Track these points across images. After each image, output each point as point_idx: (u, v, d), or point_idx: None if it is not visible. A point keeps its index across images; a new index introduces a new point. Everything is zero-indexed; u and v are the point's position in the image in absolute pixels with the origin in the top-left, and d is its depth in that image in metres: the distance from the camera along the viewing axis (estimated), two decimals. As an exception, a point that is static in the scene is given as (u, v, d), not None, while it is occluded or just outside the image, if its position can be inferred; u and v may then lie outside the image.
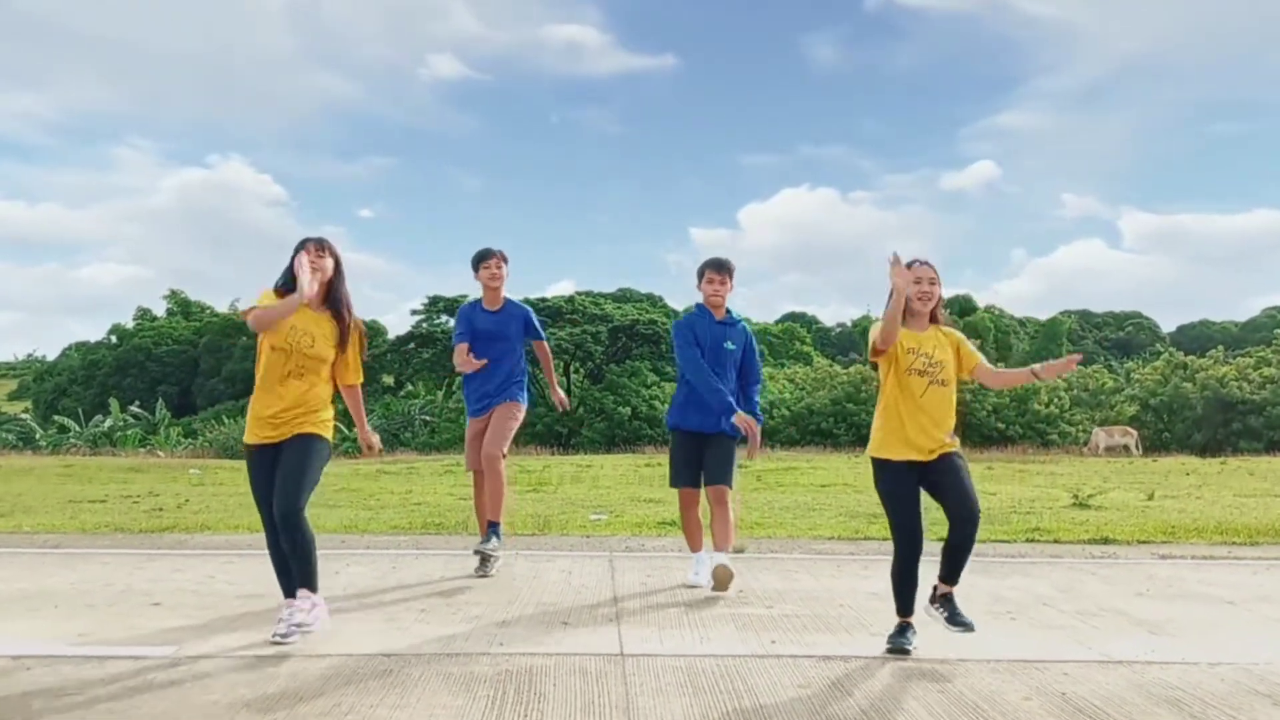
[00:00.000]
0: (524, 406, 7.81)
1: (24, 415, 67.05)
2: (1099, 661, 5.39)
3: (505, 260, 7.75)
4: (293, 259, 5.63)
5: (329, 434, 5.74)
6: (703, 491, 7.31)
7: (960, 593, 7.05)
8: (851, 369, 49.13)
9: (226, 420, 52.42)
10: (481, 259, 7.72)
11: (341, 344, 5.80)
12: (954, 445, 5.59)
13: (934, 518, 5.63)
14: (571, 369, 56.55)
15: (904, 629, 5.62)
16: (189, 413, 76.64)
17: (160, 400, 63.90)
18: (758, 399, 7.39)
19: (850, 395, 45.15)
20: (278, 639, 5.38)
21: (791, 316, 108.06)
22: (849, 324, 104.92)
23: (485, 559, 7.64)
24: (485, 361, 7.53)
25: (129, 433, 53.13)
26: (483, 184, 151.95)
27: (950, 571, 5.64)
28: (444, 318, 57.30)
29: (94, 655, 5.17)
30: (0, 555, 8.42)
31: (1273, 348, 50.20)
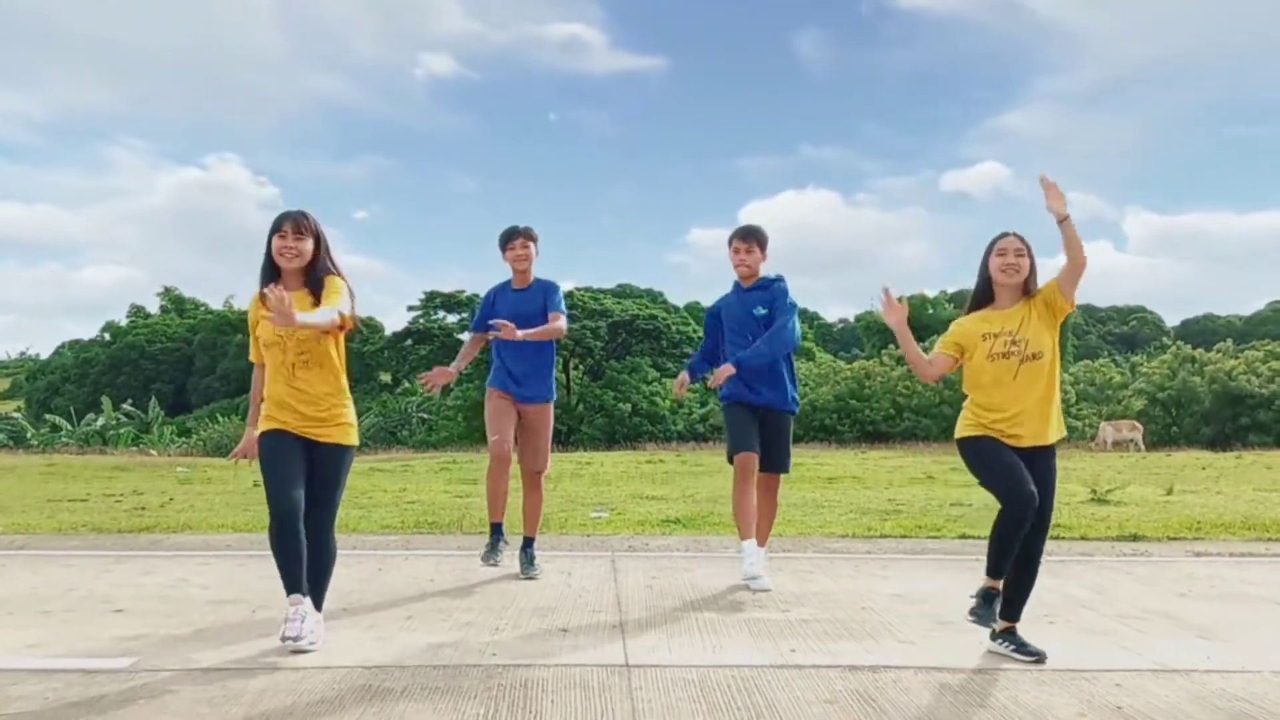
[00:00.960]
0: (553, 404, 7.54)
1: (15, 414, 66.60)
2: (1153, 670, 4.92)
3: (533, 239, 7.38)
4: (269, 243, 5.23)
5: (357, 436, 5.47)
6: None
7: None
8: (855, 364, 48.81)
9: (221, 418, 52.05)
10: (508, 239, 7.36)
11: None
12: (1057, 434, 5.22)
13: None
14: (571, 365, 56.19)
15: (989, 599, 5.20)
16: (183, 411, 76.46)
17: (154, 399, 63.51)
18: (762, 349, 6.88)
19: (854, 391, 44.92)
20: (289, 640, 4.98)
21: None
22: (851, 319, 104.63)
23: (494, 550, 7.33)
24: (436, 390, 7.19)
25: (122, 431, 52.81)
26: (479, 184, 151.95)
27: (1011, 606, 5.26)
28: (441, 314, 57.01)
29: (39, 669, 4.68)
30: (-41, 558, 7.97)
31: (1281, 340, 49.90)
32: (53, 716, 4.04)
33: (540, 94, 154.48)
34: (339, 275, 5.37)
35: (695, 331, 70.11)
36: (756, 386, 6.93)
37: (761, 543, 6.98)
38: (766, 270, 7.15)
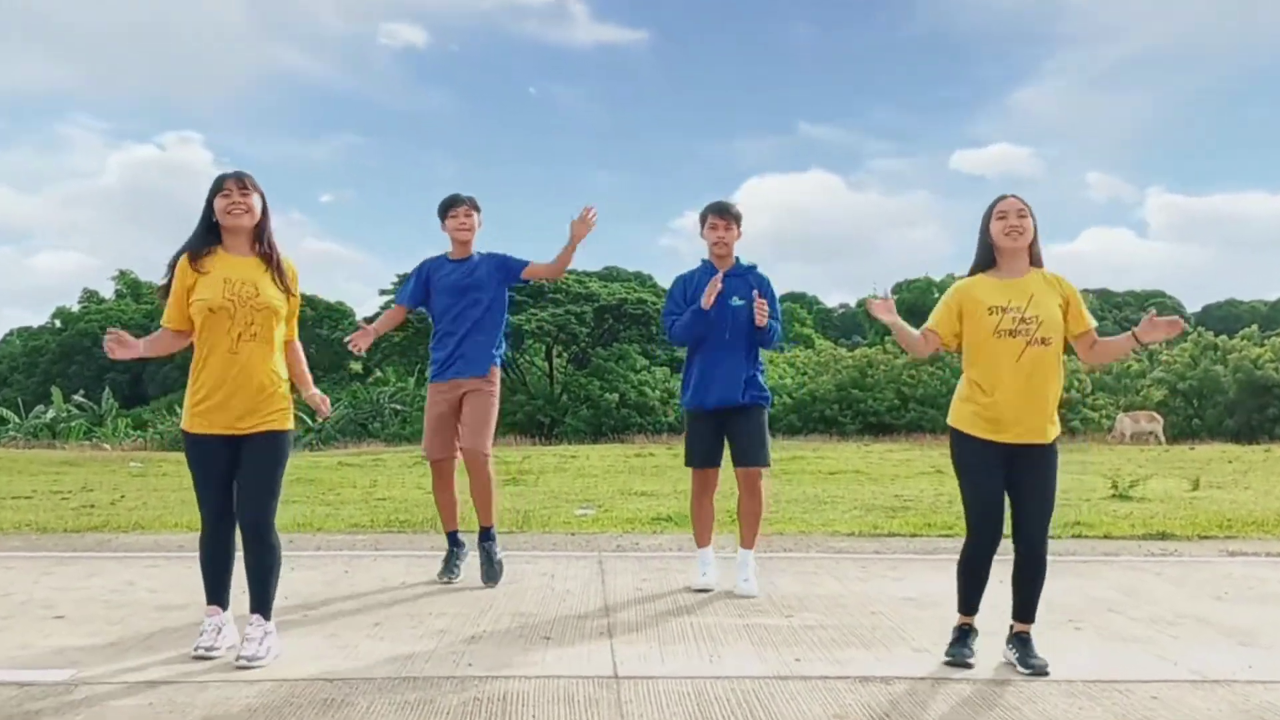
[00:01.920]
0: (497, 378, 7.17)
1: (-41, 406, 66.24)
2: (1190, 681, 4.78)
3: (476, 209, 7.14)
4: (209, 205, 5.09)
5: (292, 420, 5.21)
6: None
7: (1009, 598, 6.47)
8: (857, 352, 48.67)
9: (179, 410, 51.72)
10: (449, 206, 7.13)
11: (286, 290, 5.21)
12: (1055, 431, 5.05)
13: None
14: (554, 353, 55.98)
15: (964, 635, 5.10)
16: (139, 403, 76.07)
17: (107, 389, 63.19)
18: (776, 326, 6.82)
19: (856, 380, 44.76)
20: (201, 651, 4.92)
21: (791, 297, 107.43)
22: (852, 304, 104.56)
23: (450, 563, 7.08)
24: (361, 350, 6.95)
25: (73, 424, 52.52)
26: (454, 165, 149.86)
27: (1019, 605, 5.17)
28: (415, 298, 56.65)
29: (-31, 682, 4.54)
30: (-115, 560, 7.80)
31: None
32: (-20, 735, 3.89)
33: (518, 67, 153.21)
34: (276, 248, 5.25)
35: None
36: (709, 386, 6.77)
37: (748, 545, 6.83)
38: (738, 251, 7.00)
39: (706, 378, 6.76)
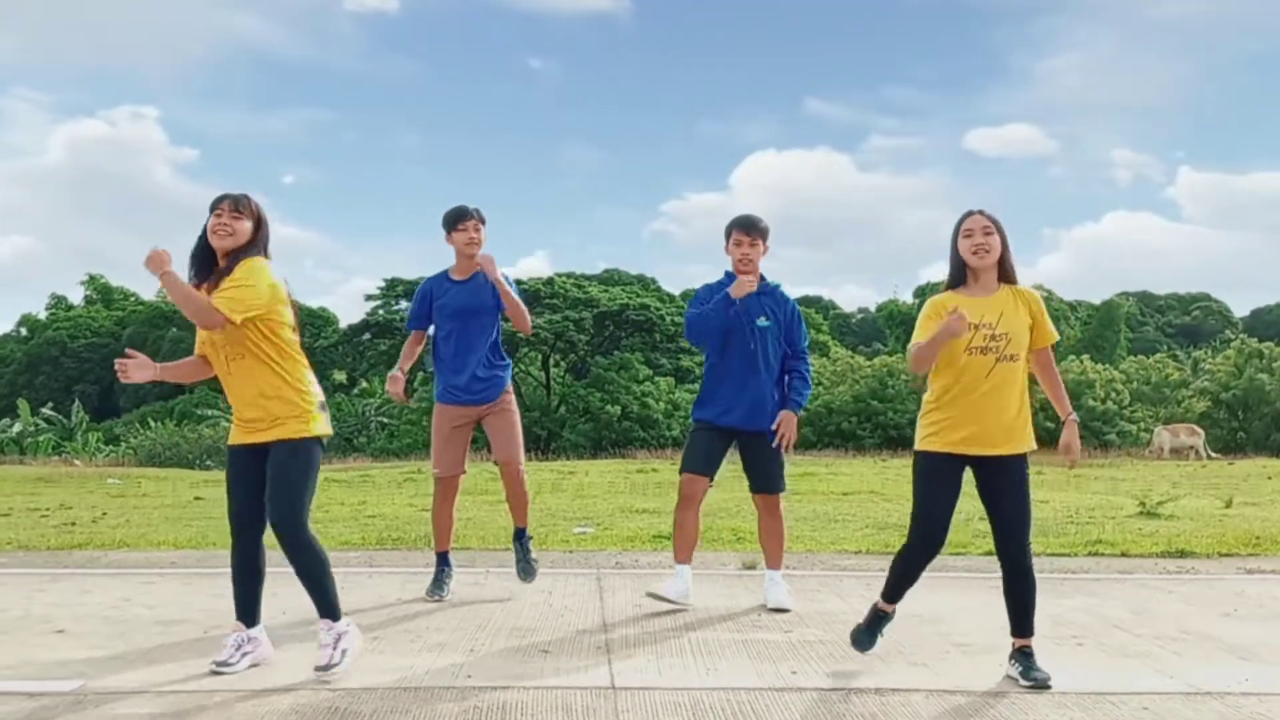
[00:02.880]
0: (512, 391, 7.68)
1: (-82, 419, 66.60)
2: (1184, 694, 5.20)
3: (484, 221, 7.41)
4: (206, 223, 5.42)
5: (313, 428, 5.49)
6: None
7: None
8: (876, 361, 48.80)
9: (153, 424, 52.03)
10: (457, 220, 7.35)
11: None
12: (1028, 444, 5.51)
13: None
14: (551, 362, 56.17)
15: (877, 620, 5.74)
16: (111, 415, 76.22)
17: (77, 401, 63.45)
18: (804, 387, 7.24)
19: (875, 391, 44.79)
20: (213, 667, 5.33)
21: (805, 301, 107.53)
22: (872, 310, 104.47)
23: (439, 582, 7.59)
24: (409, 400, 7.31)
25: (41, 439, 52.73)
26: (424, 140, 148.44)
27: (1016, 620, 5.55)
28: (402, 303, 56.86)
29: (-20, 692, 4.97)
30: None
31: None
32: (-4, 741, 4.32)
33: (497, 36, 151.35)
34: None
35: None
36: (733, 408, 7.06)
37: (775, 565, 7.25)
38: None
39: (730, 399, 7.03)
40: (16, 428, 56.17)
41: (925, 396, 5.60)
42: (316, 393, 5.58)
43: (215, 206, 5.41)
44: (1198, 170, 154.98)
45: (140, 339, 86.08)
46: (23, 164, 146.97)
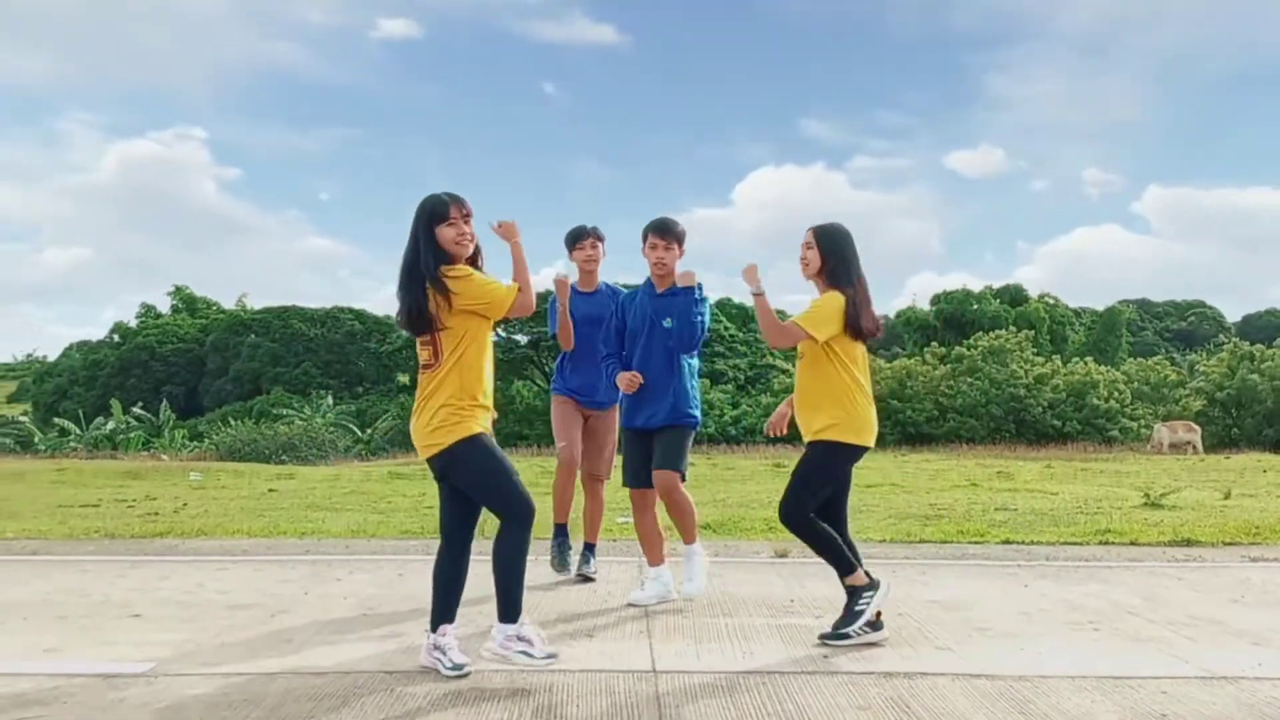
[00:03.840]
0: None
1: (23, 418, 67.23)
2: (1200, 678, 4.97)
3: (601, 239, 7.44)
4: (425, 233, 4.99)
5: (474, 426, 5.08)
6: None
7: (1033, 602, 6.68)
8: (895, 363, 48.55)
9: (234, 421, 52.26)
10: (576, 239, 7.40)
11: (448, 304, 4.97)
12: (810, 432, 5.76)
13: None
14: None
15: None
16: (195, 414, 76.85)
17: (165, 401, 63.93)
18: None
19: (894, 391, 44.58)
20: (454, 673, 4.88)
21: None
22: (891, 316, 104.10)
23: (561, 559, 7.61)
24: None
25: (132, 435, 53.18)
26: (448, 157, 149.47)
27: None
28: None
29: (59, 672, 4.84)
30: (-31, 564, 8.15)
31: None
32: (74, 719, 4.18)
33: (511, 63, 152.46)
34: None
35: (725, 328, 69.94)
36: (639, 406, 6.74)
37: (690, 540, 6.78)
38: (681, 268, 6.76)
39: (636, 398, 6.72)
40: (110, 425, 56.62)
41: (832, 391, 5.70)
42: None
43: (444, 215, 4.95)
44: (1164, 187, 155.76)
45: (222, 344, 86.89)
46: (78, 180, 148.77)
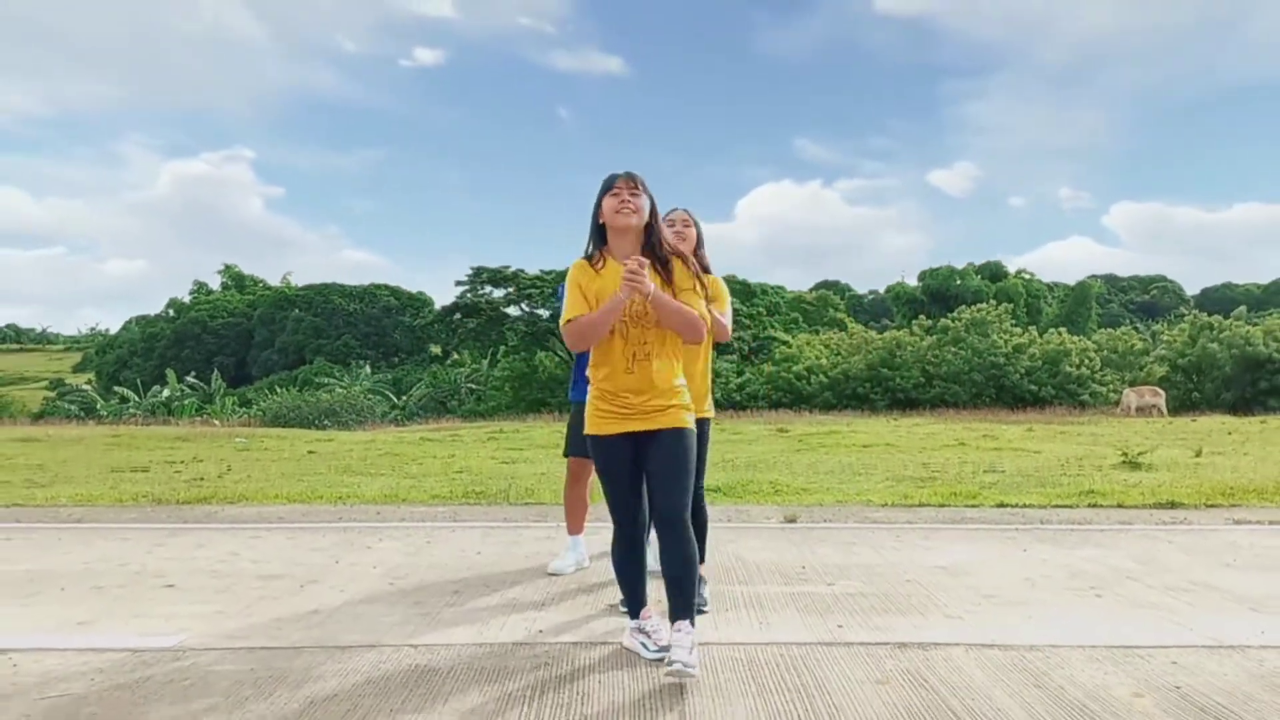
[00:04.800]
0: None
1: (86, 386, 67.15)
2: (1208, 647, 4.59)
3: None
4: (597, 205, 4.42)
5: (695, 412, 4.51)
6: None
7: (1034, 567, 6.31)
8: (886, 334, 48.28)
9: (280, 389, 52.17)
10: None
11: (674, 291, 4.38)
12: None
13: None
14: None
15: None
16: (244, 383, 76.76)
17: (216, 371, 63.86)
18: None
19: (885, 360, 44.43)
20: (678, 667, 3.96)
21: (825, 284, 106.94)
22: (881, 291, 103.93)
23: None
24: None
25: (186, 402, 53.09)
26: (470, 176, 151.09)
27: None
28: (488, 288, 56.81)
29: (88, 647, 4.49)
30: (17, 531, 7.80)
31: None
32: (97, 699, 3.83)
33: (528, 86, 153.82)
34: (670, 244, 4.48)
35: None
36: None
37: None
38: None
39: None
40: (165, 393, 56.59)
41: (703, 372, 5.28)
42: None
43: (610, 186, 4.36)
44: (1134, 203, 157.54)
45: (268, 318, 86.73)
46: (136, 198, 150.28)
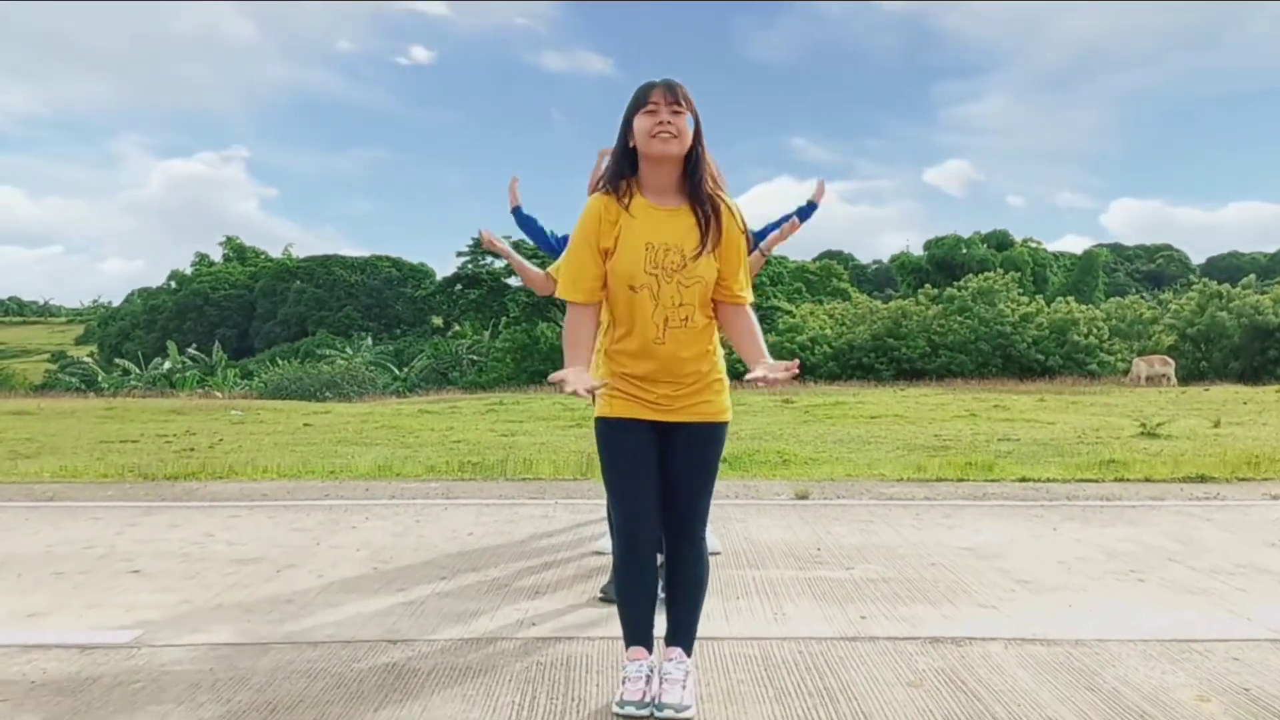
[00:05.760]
0: None
1: (88, 359, 66.75)
2: (1270, 640, 4.13)
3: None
4: (626, 122, 3.28)
5: (729, 408, 3.47)
6: None
7: (1068, 549, 5.88)
8: (891, 304, 47.78)
9: (281, 361, 51.82)
10: None
11: (716, 245, 3.29)
12: None
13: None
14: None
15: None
16: (246, 355, 76.47)
17: (217, 343, 63.43)
18: None
19: (890, 330, 43.97)
20: (668, 714, 3.25)
21: (829, 254, 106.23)
22: (885, 260, 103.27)
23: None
24: None
25: (187, 375, 52.73)
26: (467, 177, 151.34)
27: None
28: (489, 259, 56.41)
29: (35, 644, 4.03)
30: (-17, 511, 7.34)
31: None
32: (35, 704, 3.38)
33: (522, 89, 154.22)
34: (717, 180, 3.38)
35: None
36: None
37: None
38: None
39: None
40: (167, 365, 56.23)
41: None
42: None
43: (644, 101, 3.24)
44: (1133, 200, 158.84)
45: (270, 290, 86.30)
46: (132, 197, 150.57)
